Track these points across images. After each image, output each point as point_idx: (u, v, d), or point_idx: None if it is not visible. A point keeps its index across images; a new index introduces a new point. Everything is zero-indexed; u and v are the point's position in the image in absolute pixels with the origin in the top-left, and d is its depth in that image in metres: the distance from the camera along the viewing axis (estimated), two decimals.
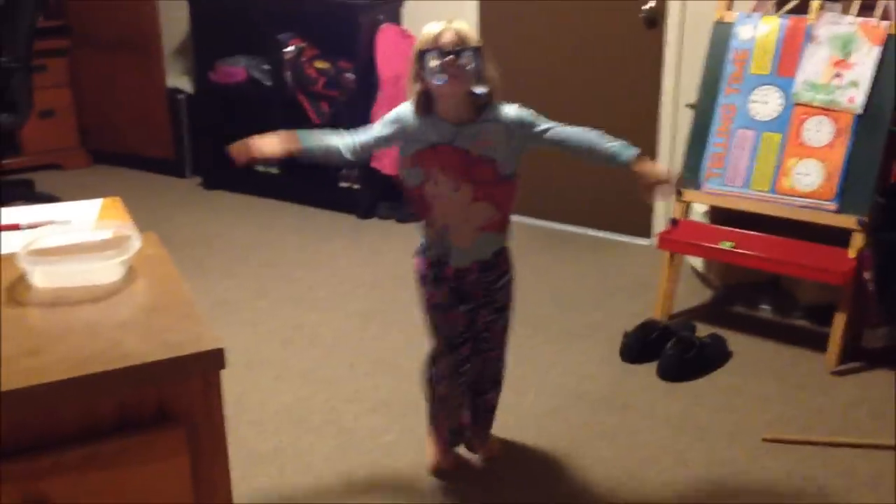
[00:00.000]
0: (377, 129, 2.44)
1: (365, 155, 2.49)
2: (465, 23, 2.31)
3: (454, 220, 2.42)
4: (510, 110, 2.39)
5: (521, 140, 2.40)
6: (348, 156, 2.43)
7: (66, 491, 1.33)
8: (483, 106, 2.35)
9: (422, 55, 2.28)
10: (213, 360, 1.41)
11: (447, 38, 2.25)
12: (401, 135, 2.39)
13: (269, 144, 2.39)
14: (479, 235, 2.45)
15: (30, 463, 1.31)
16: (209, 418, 1.43)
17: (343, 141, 2.44)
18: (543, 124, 2.43)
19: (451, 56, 2.23)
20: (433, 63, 2.24)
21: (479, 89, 2.32)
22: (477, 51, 2.27)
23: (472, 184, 2.37)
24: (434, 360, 2.60)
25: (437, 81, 2.27)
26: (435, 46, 2.25)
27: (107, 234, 1.81)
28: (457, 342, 2.54)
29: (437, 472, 2.71)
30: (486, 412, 2.76)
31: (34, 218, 2.08)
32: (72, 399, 1.33)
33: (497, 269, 2.54)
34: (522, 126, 2.39)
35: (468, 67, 2.25)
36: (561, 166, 4.67)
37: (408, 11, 4.94)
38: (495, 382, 2.72)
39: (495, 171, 2.38)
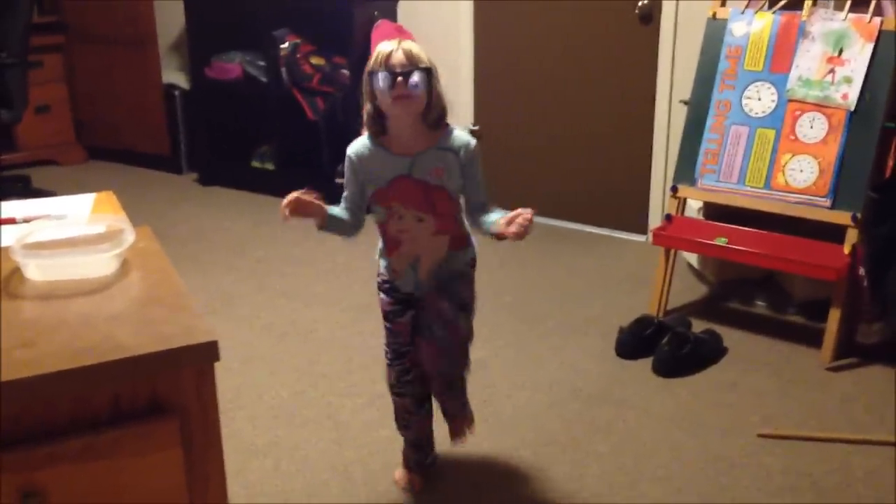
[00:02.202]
0: (347, 186, 2.40)
1: (362, 211, 2.43)
2: (415, 44, 2.27)
3: (423, 251, 2.40)
4: (461, 136, 2.35)
5: (466, 168, 2.35)
6: (354, 220, 2.41)
7: (61, 482, 1.33)
8: (435, 130, 2.32)
9: (372, 76, 2.25)
10: (206, 353, 1.41)
11: (397, 58, 2.22)
12: (362, 179, 2.35)
13: (306, 206, 2.31)
14: (446, 258, 2.42)
15: (25, 454, 1.31)
16: (203, 410, 1.43)
17: (344, 212, 2.41)
18: (476, 167, 2.37)
19: (400, 79, 2.21)
20: (383, 84, 2.22)
21: (427, 118, 2.29)
22: (427, 71, 2.24)
23: (434, 215, 2.35)
24: (387, 368, 2.59)
25: (388, 109, 2.25)
26: (384, 68, 2.22)
27: (100, 228, 1.81)
28: (401, 351, 2.52)
29: (405, 489, 2.66)
30: (451, 412, 2.69)
31: (29, 212, 2.08)
32: (66, 391, 1.34)
33: (466, 278, 2.49)
34: (468, 152, 2.33)
35: (418, 88, 2.22)
36: (556, 164, 4.69)
37: (403, 7, 4.94)
38: (453, 388, 2.64)
39: (452, 200, 2.37)
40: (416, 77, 2.22)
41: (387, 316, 2.53)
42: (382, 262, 2.50)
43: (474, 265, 2.53)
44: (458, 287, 2.48)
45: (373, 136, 2.34)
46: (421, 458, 2.67)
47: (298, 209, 2.29)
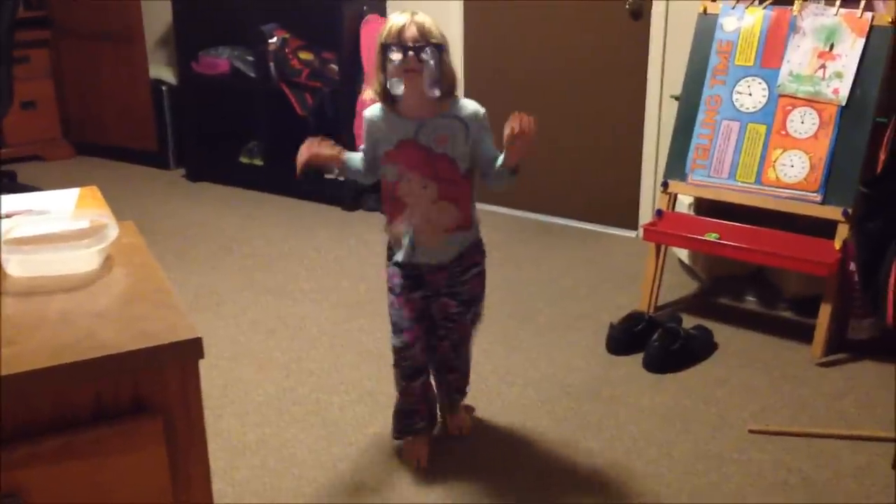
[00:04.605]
0: (364, 143, 2.52)
1: (374, 172, 2.55)
2: (427, 17, 2.33)
3: (420, 220, 2.47)
4: (468, 105, 2.42)
5: (476, 134, 2.42)
6: (366, 173, 2.55)
7: (41, 481, 1.31)
8: (443, 100, 2.38)
9: (385, 48, 2.30)
10: (190, 350, 1.39)
11: (409, 33, 2.27)
12: (374, 139, 2.46)
13: (320, 151, 2.49)
14: (445, 237, 2.50)
15: (4, 453, 1.28)
16: (187, 408, 1.41)
17: (361, 161, 2.55)
18: (487, 132, 2.46)
19: (411, 53, 2.27)
20: (394, 58, 2.28)
21: (434, 92, 2.33)
22: (439, 47, 2.30)
23: (437, 181, 2.42)
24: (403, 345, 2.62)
25: (396, 89, 2.33)
26: (397, 42, 2.28)
27: (84, 224, 1.79)
28: (401, 326, 2.56)
29: (410, 462, 2.71)
30: (452, 393, 2.80)
31: (11, 207, 2.05)
32: (47, 389, 1.31)
33: (464, 261, 2.56)
34: (476, 120, 2.42)
35: (428, 64, 2.28)
36: (547, 160, 4.67)
37: (392, 2, 4.91)
38: (456, 370, 2.75)
39: (455, 167, 2.43)
40: (427, 53, 2.27)
41: (392, 289, 2.57)
42: (388, 234, 2.59)
43: (484, 255, 2.62)
44: (468, 285, 2.58)
45: (385, 104, 2.42)
46: (410, 423, 2.69)
47: (312, 163, 2.46)
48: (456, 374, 2.76)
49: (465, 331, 2.67)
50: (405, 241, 2.49)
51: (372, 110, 2.47)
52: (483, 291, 2.65)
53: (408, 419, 2.70)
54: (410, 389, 2.65)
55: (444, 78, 2.34)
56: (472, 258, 2.57)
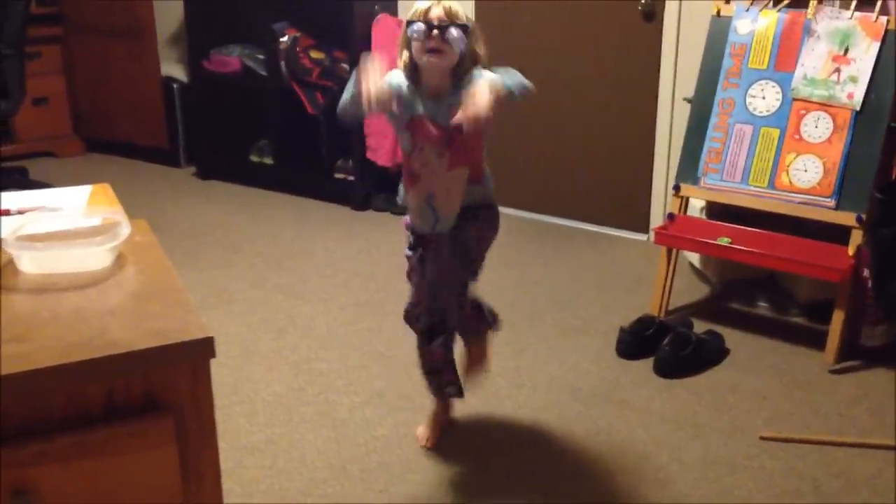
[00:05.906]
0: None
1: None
2: (455, 2, 2.35)
3: (439, 190, 2.47)
4: (483, 75, 2.35)
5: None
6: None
7: (52, 479, 1.30)
8: (462, 76, 2.38)
9: (409, 25, 2.34)
10: (202, 349, 1.38)
11: (435, 13, 2.31)
12: (398, 99, 2.42)
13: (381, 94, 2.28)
14: (463, 198, 2.50)
15: (15, 451, 1.27)
16: (198, 407, 1.40)
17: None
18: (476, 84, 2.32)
19: (436, 31, 2.29)
20: (418, 35, 2.30)
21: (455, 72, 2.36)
22: (464, 28, 2.31)
23: (452, 150, 2.43)
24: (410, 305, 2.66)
25: (420, 59, 2.34)
26: (423, 20, 2.30)
27: (96, 221, 1.78)
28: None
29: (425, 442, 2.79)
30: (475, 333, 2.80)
31: (24, 203, 2.04)
32: (58, 386, 1.30)
33: (476, 221, 2.53)
34: (472, 83, 2.33)
35: (452, 43, 2.30)
36: (558, 162, 4.66)
37: (404, 1, 4.90)
38: (465, 313, 2.72)
39: (465, 134, 2.38)
40: (452, 32, 2.29)
41: (413, 258, 2.60)
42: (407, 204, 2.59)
43: (492, 225, 2.57)
44: (466, 233, 2.53)
45: (407, 79, 2.42)
46: (433, 384, 2.75)
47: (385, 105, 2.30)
48: (465, 314, 2.71)
49: (448, 280, 2.59)
50: (425, 213, 2.50)
51: (397, 77, 2.42)
52: (483, 258, 2.62)
53: (431, 380, 2.74)
54: (428, 350, 2.67)
55: (467, 61, 2.36)
56: (487, 221, 2.54)
